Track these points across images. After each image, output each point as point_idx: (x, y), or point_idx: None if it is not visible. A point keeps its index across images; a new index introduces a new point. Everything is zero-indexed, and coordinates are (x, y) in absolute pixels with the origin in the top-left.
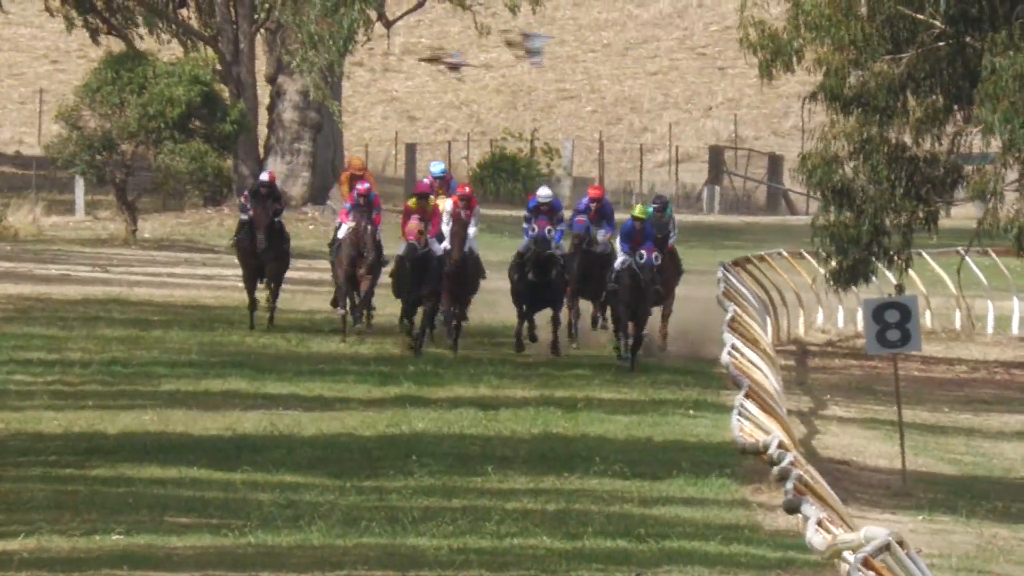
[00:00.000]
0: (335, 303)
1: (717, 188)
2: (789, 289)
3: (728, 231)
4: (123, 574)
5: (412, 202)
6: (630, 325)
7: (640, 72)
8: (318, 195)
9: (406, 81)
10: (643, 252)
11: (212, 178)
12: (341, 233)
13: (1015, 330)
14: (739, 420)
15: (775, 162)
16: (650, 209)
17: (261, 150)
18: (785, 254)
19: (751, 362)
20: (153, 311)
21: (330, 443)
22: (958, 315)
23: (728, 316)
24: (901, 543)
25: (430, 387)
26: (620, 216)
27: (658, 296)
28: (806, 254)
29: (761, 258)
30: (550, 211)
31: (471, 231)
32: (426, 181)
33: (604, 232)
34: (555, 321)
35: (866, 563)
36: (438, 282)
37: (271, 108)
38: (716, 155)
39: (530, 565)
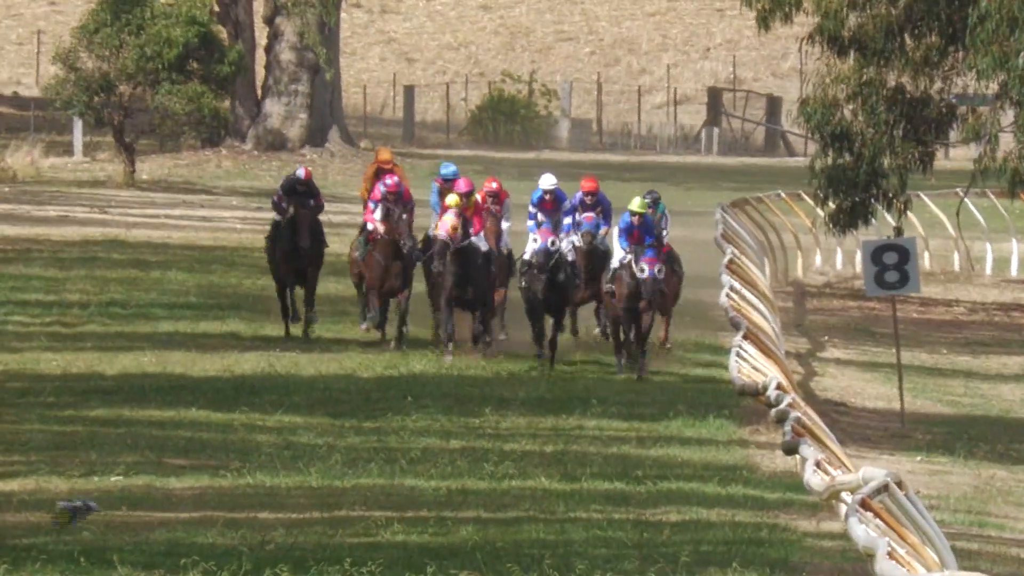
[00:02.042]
0: (365, 317)
1: (715, 130)
2: (787, 231)
3: (726, 172)
4: (122, 515)
5: (453, 201)
6: (630, 332)
7: (638, 13)
8: (316, 137)
9: (404, 22)
10: (644, 266)
11: (209, 119)
12: (369, 226)
13: (1014, 272)
14: (737, 361)
15: (773, 103)
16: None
17: (259, 91)
18: (784, 196)
19: (749, 304)
20: (151, 252)
21: (328, 385)
22: (957, 257)
23: (726, 258)
24: (899, 484)
25: (428, 329)
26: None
27: (662, 300)
28: (805, 196)
29: (759, 200)
30: (555, 202)
31: (504, 226)
32: (463, 185)
33: (601, 227)
34: (556, 326)
35: (864, 504)
36: (486, 282)
37: (268, 49)
38: (714, 96)
39: (528, 506)
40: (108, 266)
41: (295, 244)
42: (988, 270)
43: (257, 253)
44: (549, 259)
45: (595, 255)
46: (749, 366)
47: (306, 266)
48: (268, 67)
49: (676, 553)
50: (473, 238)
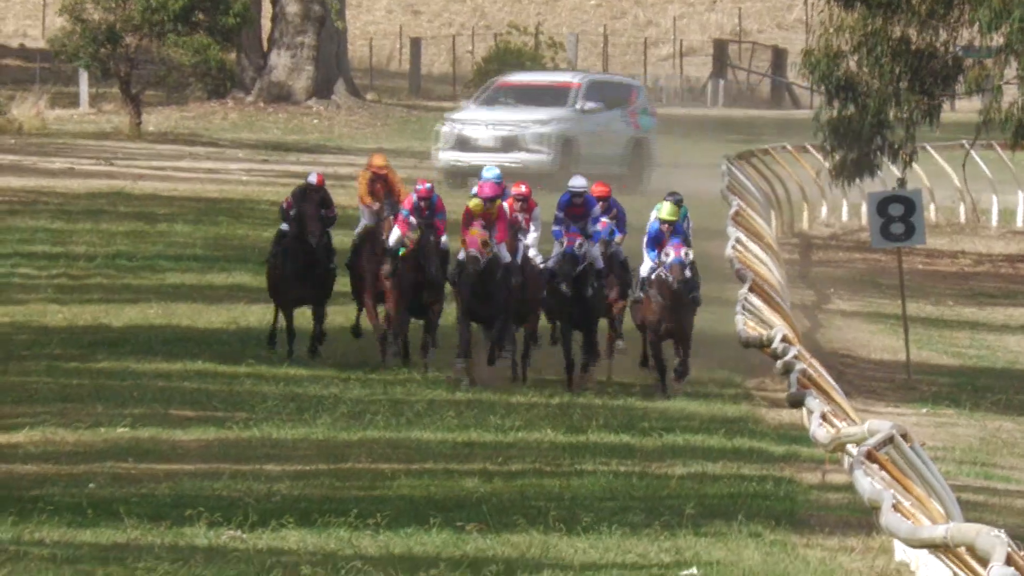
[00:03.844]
0: (384, 336)
1: (721, 81)
2: (793, 183)
3: (732, 125)
4: (128, 466)
5: (474, 204)
6: (662, 343)
7: None
8: (322, 89)
9: None
10: (669, 250)
11: (215, 71)
12: (392, 239)
13: (1019, 223)
14: (743, 314)
15: (779, 55)
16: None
17: (265, 43)
18: (789, 148)
19: (755, 256)
20: (157, 205)
21: (334, 337)
22: (962, 208)
23: (732, 210)
24: (905, 436)
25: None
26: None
27: (696, 303)
28: (810, 147)
29: (765, 151)
30: (584, 206)
31: (531, 238)
32: (487, 189)
33: (617, 233)
34: (589, 345)
35: (870, 456)
36: (508, 297)
37: (275, 1)
38: (720, 48)
39: (534, 459)
40: (114, 218)
41: (301, 259)
42: (994, 221)
43: (264, 205)
44: (575, 266)
45: (612, 266)
46: (755, 318)
47: (312, 288)
48: (274, 19)
49: (681, 505)
50: (495, 248)
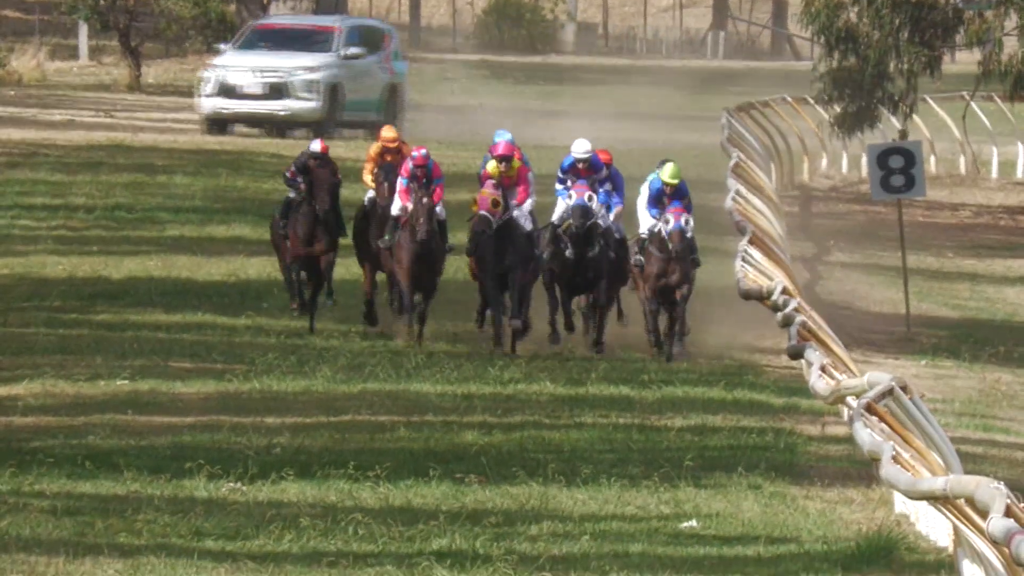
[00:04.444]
0: (398, 309)
1: (721, 33)
2: (793, 135)
3: (732, 76)
4: (128, 419)
5: (491, 167)
6: (663, 306)
7: None
8: None
9: None
10: (669, 216)
11: (215, 23)
12: (395, 209)
13: (1019, 175)
14: (743, 266)
15: (779, 6)
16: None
17: None
18: (789, 99)
19: (755, 208)
20: (157, 156)
21: (334, 289)
22: (962, 160)
23: (732, 162)
24: (904, 388)
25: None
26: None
27: (695, 265)
28: (810, 99)
29: (765, 103)
30: (589, 170)
31: (525, 203)
32: (501, 149)
33: (615, 204)
34: (596, 307)
35: (869, 408)
36: (528, 256)
37: None
38: None
39: (533, 411)
40: (114, 170)
41: (310, 222)
42: (994, 173)
43: (263, 157)
44: (586, 218)
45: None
46: (754, 270)
47: (320, 251)
48: None
49: (681, 458)
50: (515, 212)
